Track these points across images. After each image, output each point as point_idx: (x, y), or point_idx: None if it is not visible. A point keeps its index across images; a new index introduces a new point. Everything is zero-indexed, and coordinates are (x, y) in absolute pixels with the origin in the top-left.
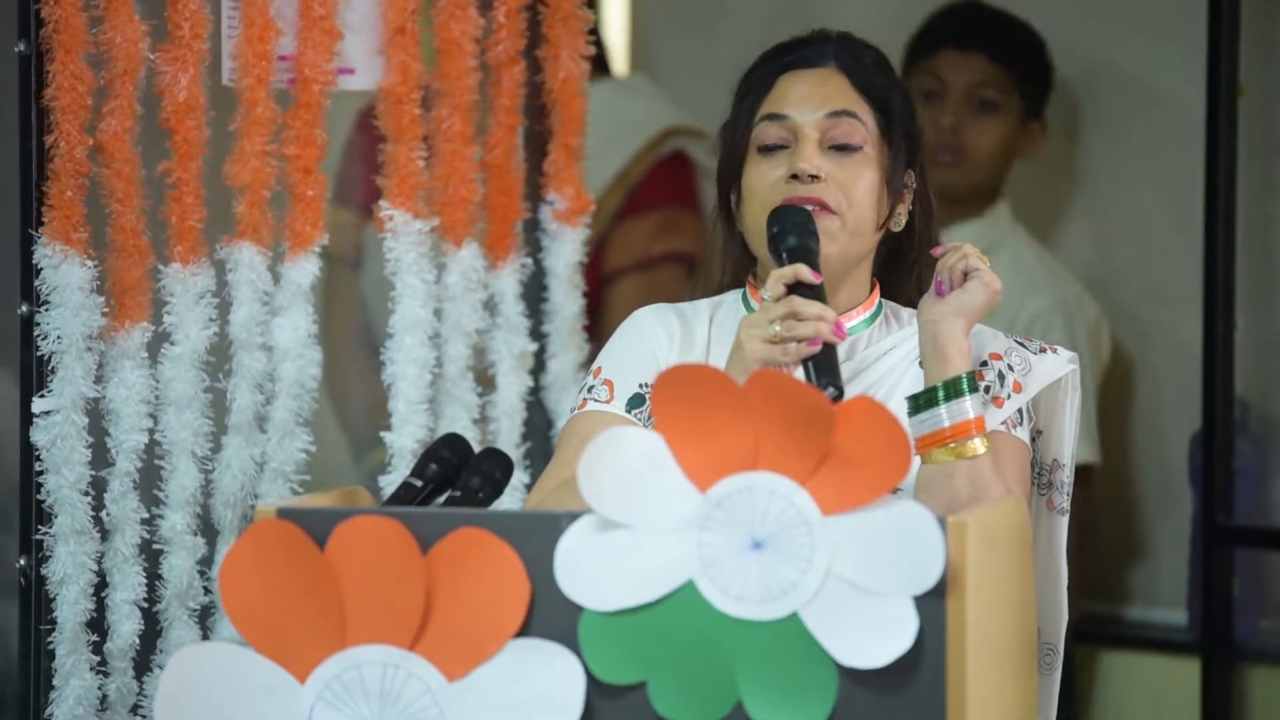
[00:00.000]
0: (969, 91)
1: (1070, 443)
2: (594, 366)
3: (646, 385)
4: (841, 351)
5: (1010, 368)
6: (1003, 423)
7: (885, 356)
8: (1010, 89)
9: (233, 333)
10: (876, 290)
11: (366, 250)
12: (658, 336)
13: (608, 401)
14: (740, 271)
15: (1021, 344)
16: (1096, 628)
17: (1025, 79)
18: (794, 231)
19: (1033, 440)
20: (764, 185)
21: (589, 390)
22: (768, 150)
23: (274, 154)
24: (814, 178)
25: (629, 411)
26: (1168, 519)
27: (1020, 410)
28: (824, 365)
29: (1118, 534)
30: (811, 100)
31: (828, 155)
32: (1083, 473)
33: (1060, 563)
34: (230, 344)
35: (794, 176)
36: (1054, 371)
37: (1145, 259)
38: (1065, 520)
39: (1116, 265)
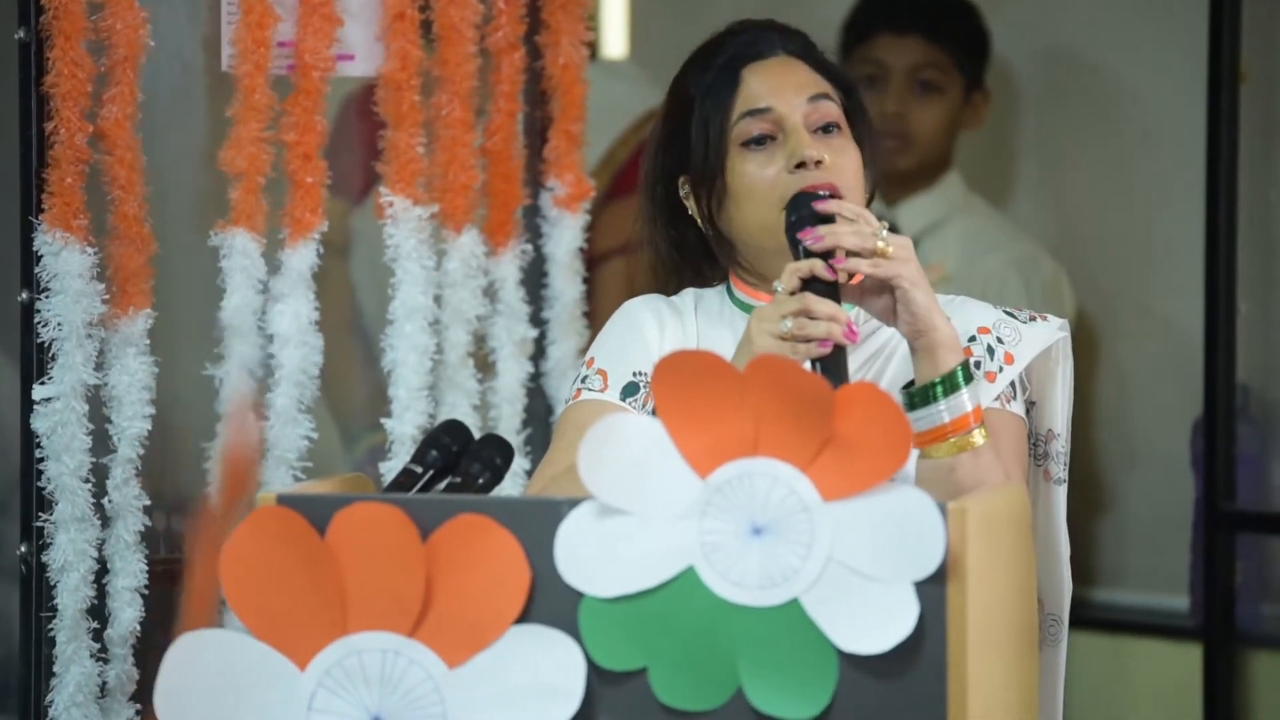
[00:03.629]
0: (910, 75)
1: (1064, 412)
2: (587, 357)
3: (640, 374)
4: None
5: (1000, 340)
6: (996, 398)
7: (875, 335)
8: (950, 67)
9: (225, 319)
10: None
11: (354, 237)
12: (649, 325)
13: (602, 390)
14: (688, 272)
15: (1011, 314)
16: (1098, 613)
17: (964, 53)
18: (812, 221)
19: (1027, 411)
20: (764, 180)
21: (583, 380)
22: (755, 144)
23: (272, 140)
24: (818, 163)
25: (623, 400)
26: (1169, 504)
27: (1014, 383)
28: (832, 367)
29: (1119, 519)
30: (788, 88)
31: (816, 139)
32: None
33: (1061, 533)
34: (224, 330)
35: (800, 165)
36: (1045, 339)
37: (1147, 244)
38: (1063, 490)
39: (1118, 251)
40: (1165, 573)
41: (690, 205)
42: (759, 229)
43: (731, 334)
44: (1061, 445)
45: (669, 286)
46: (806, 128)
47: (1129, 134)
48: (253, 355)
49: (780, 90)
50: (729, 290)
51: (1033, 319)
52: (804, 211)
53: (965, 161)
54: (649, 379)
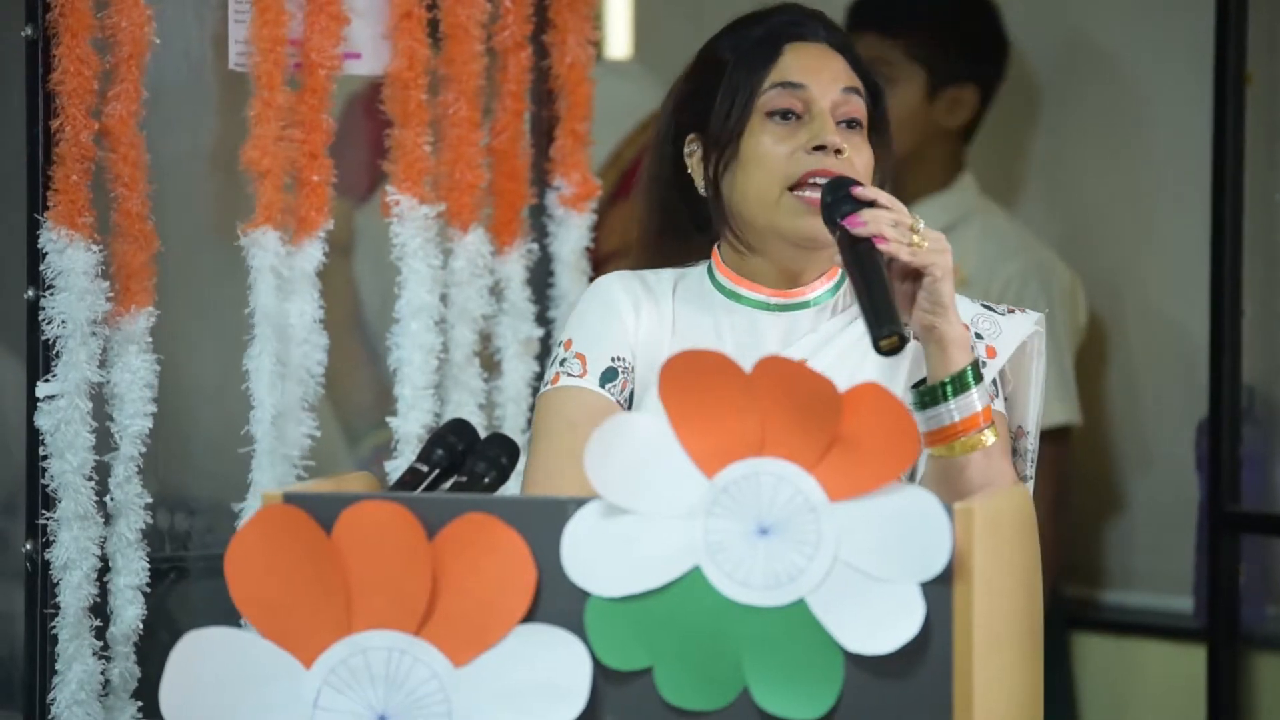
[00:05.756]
0: None
1: (1035, 410)
2: (564, 338)
3: (619, 359)
4: (806, 321)
5: (979, 335)
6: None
7: (850, 327)
8: (903, 60)
9: (256, 318)
10: None
11: (357, 236)
12: (624, 307)
13: (581, 376)
14: (675, 238)
15: (989, 308)
16: (1103, 615)
17: (930, 46)
18: (847, 202)
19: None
20: (779, 154)
21: (561, 364)
22: (779, 117)
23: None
24: (838, 151)
25: (602, 386)
26: (1174, 505)
27: (995, 381)
28: (883, 309)
29: (1124, 521)
30: (825, 73)
31: (840, 130)
32: (1060, 433)
33: None
34: (252, 328)
35: (819, 148)
36: (1023, 331)
37: (1151, 246)
38: (1030, 488)
39: (1123, 253)
40: (1170, 574)
41: (690, 164)
42: (757, 201)
43: (710, 318)
44: (1030, 443)
45: (654, 249)
46: (833, 117)
47: (1134, 136)
48: (283, 352)
49: (817, 73)
50: (710, 272)
51: (1010, 312)
52: (840, 194)
53: (971, 162)
54: (627, 364)
